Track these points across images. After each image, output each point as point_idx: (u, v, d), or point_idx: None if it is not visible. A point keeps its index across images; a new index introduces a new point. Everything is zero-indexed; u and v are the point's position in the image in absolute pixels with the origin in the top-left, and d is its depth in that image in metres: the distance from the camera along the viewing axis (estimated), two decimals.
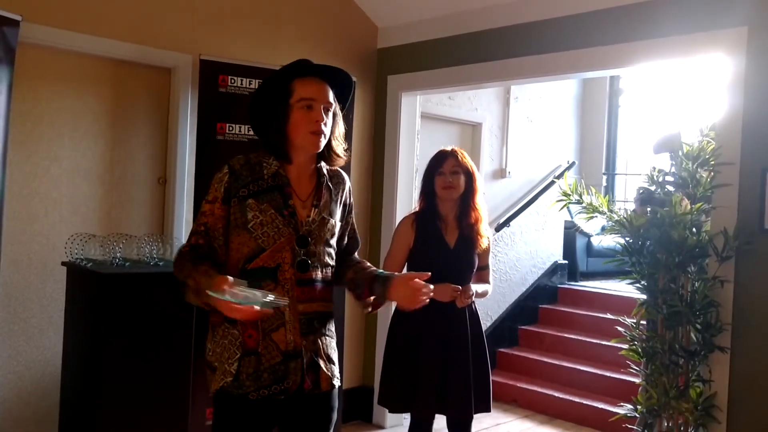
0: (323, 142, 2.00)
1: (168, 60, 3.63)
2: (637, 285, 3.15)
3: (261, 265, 1.94)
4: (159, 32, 3.58)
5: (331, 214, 2.06)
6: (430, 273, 2.00)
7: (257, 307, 1.72)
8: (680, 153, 3.10)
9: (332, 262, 2.08)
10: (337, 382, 2.06)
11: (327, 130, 1.99)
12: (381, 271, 2.13)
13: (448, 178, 3.00)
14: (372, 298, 2.08)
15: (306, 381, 1.97)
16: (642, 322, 3.21)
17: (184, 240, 3.61)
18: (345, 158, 2.09)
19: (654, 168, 3.16)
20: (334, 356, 2.07)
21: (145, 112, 3.65)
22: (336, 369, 2.07)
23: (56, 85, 3.33)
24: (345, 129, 2.11)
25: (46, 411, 3.31)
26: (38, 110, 3.28)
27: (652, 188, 3.15)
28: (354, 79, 2.12)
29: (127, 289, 2.95)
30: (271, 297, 1.77)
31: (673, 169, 3.18)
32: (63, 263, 3.15)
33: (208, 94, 3.53)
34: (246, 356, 1.93)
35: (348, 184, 2.17)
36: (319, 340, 2.01)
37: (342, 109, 2.09)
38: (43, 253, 3.30)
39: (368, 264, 2.18)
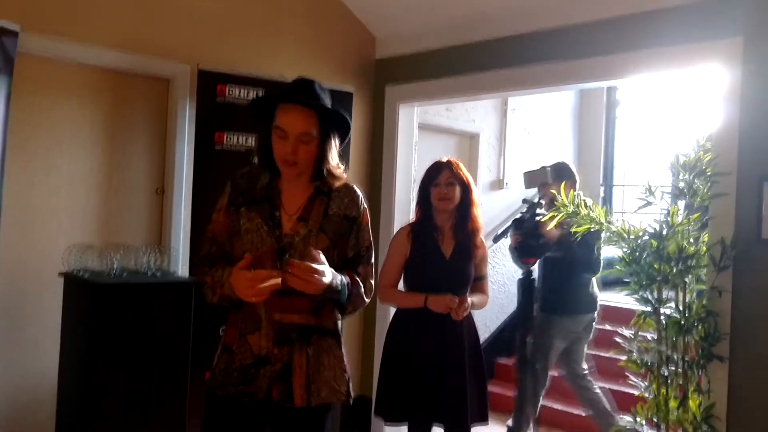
0: (296, 171, 2.02)
1: (166, 70, 3.64)
2: (636, 296, 3.14)
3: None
4: (157, 42, 3.59)
5: (323, 229, 2.05)
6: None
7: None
8: (550, 188, 3.38)
9: None
10: (320, 400, 2.00)
11: (302, 159, 2.00)
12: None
13: (444, 190, 3.00)
14: None
15: (273, 390, 1.96)
16: (641, 333, 3.20)
17: (182, 250, 3.62)
18: (342, 177, 2.13)
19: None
20: (324, 373, 2.01)
21: (143, 122, 3.65)
22: (323, 388, 2.01)
23: (55, 95, 3.34)
24: (341, 146, 2.12)
25: (43, 422, 3.28)
26: (36, 120, 3.28)
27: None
28: (348, 118, 2.15)
29: (124, 300, 2.94)
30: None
31: (542, 201, 3.74)
32: (60, 274, 3.14)
33: (206, 104, 3.54)
34: (223, 353, 2.04)
35: (356, 197, 2.18)
36: (298, 353, 1.99)
37: (342, 139, 2.11)
38: (40, 264, 3.29)
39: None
